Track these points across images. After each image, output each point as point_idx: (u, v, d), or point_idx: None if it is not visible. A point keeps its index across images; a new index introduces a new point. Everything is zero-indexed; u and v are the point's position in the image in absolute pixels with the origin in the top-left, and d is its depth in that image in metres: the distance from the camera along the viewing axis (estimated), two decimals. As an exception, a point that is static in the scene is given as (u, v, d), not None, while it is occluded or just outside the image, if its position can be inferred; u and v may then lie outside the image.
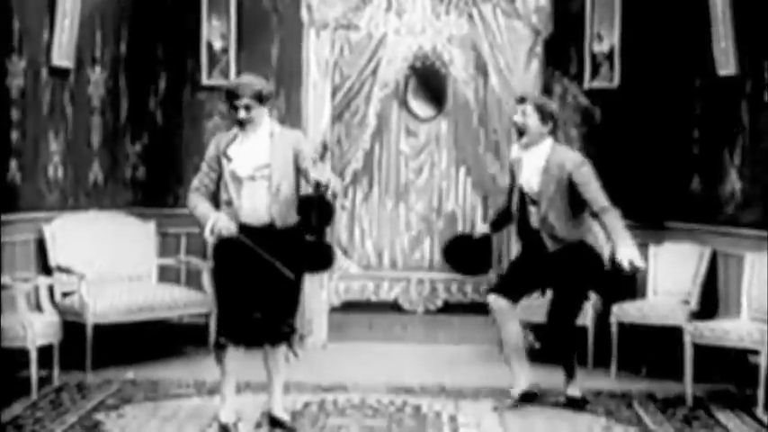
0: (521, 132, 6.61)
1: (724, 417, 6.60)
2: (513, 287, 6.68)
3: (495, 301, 6.65)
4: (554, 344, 6.85)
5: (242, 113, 5.93)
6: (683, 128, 8.59)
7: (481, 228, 7.09)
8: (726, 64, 7.80)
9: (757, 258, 7.21)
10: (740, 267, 7.39)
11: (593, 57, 8.86)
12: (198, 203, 6.02)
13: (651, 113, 8.82)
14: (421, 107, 10.58)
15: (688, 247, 8.12)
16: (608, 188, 8.76)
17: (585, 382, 7.01)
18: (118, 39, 8.77)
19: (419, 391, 7.07)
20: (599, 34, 8.83)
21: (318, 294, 8.67)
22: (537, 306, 7.30)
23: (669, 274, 8.11)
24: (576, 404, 6.74)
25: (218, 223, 5.86)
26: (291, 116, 8.70)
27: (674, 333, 7.68)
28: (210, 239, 5.98)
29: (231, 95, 5.94)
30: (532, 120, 6.56)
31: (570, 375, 6.81)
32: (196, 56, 9.02)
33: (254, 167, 5.93)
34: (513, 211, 6.78)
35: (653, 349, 7.97)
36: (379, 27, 8.54)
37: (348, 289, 10.35)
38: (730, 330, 6.92)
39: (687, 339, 6.99)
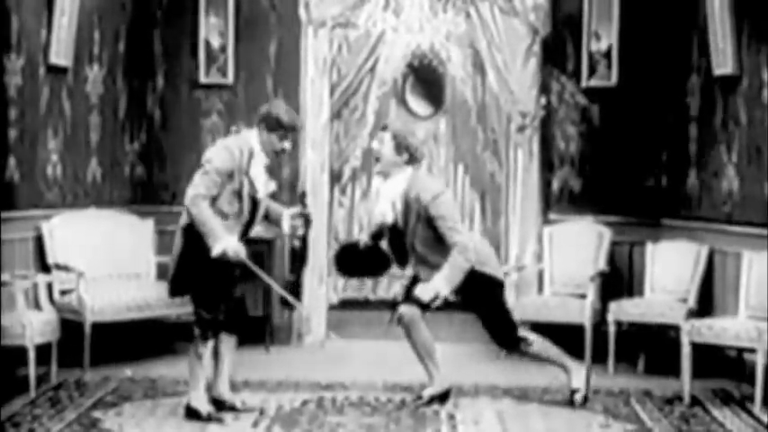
0: (377, 159, 6.66)
1: (721, 414, 6.61)
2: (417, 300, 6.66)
3: (406, 311, 6.66)
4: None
5: (288, 144, 6.33)
6: (680, 126, 8.60)
7: (364, 239, 6.99)
8: (723, 63, 7.81)
9: (755, 256, 7.21)
10: (738, 265, 7.40)
11: (591, 55, 8.87)
12: (211, 216, 6.10)
13: (649, 112, 8.83)
14: (419, 105, 10.60)
15: (685, 246, 8.13)
16: (606, 186, 8.86)
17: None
18: (116, 37, 8.77)
19: (417, 389, 7.07)
20: (597, 33, 8.83)
21: (317, 292, 8.68)
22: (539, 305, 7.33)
23: (666, 273, 8.12)
24: (576, 395, 6.73)
25: (230, 249, 6.06)
26: (290, 115, 8.69)
27: (671, 331, 7.70)
28: (215, 256, 6.07)
29: (288, 128, 6.26)
30: (387, 148, 6.56)
31: (563, 369, 6.82)
32: (194, 54, 9.02)
33: (271, 189, 6.35)
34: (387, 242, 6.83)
35: (650, 347, 7.98)
36: (376, 25, 8.54)
37: (346, 287, 10.37)
38: (728, 328, 6.92)
39: (684, 337, 7.00)
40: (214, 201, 6.14)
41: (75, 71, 8.16)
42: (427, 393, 6.75)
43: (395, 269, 10.35)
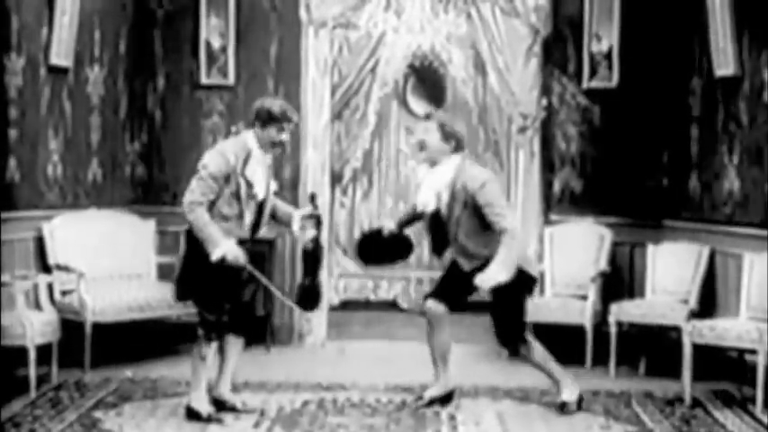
0: (422, 148, 6.63)
1: (722, 416, 6.61)
2: (449, 296, 6.67)
3: (434, 305, 6.65)
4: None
5: (285, 136, 6.31)
6: (681, 127, 8.59)
7: (389, 226, 6.96)
8: (724, 64, 7.80)
9: (756, 258, 7.21)
10: (739, 267, 7.40)
11: (592, 56, 8.86)
12: (208, 222, 6.12)
13: (650, 113, 8.82)
14: (420, 106, 10.58)
15: (687, 247, 8.13)
16: (607, 187, 8.85)
17: (584, 382, 7.01)
18: (117, 37, 8.77)
19: (418, 389, 7.07)
20: (598, 34, 8.83)
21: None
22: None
23: (668, 274, 8.11)
24: (567, 408, 6.69)
25: (230, 254, 6.10)
26: (290, 115, 8.69)
27: (672, 332, 7.70)
28: (214, 260, 6.10)
29: (282, 119, 6.26)
30: (433, 137, 6.54)
31: (556, 384, 6.77)
32: (195, 55, 9.02)
33: (273, 189, 6.36)
34: (425, 229, 6.81)
35: (651, 348, 7.97)
36: (377, 26, 8.54)
37: (347, 287, 10.36)
38: (729, 329, 6.92)
39: (686, 339, 6.99)
40: (213, 204, 6.16)
41: (76, 72, 8.16)
42: (428, 394, 6.74)
43: (394, 271, 10.45)
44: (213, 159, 6.21)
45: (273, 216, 6.53)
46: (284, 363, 8.02)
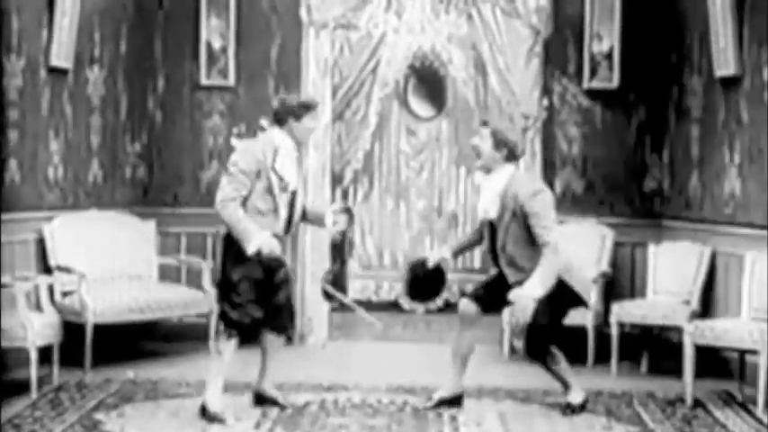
0: (477, 155, 6.63)
1: (724, 416, 6.60)
2: (486, 299, 6.65)
3: (467, 305, 6.63)
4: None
5: (314, 123, 6.43)
6: (682, 127, 8.59)
7: (439, 253, 6.89)
8: (725, 63, 7.80)
9: (757, 258, 7.20)
10: (740, 267, 7.39)
11: (593, 57, 8.86)
12: (242, 217, 6.21)
13: (650, 113, 8.82)
14: (421, 106, 10.59)
15: (688, 247, 8.12)
16: (608, 187, 8.85)
17: (586, 382, 7.00)
18: (117, 38, 8.77)
19: (420, 391, 7.07)
20: (598, 34, 8.82)
21: (319, 293, 8.66)
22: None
23: (669, 274, 8.11)
24: (571, 410, 6.68)
25: (265, 247, 6.18)
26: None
27: (673, 333, 7.69)
28: (251, 254, 6.18)
29: (314, 105, 6.40)
30: (486, 144, 6.53)
31: (565, 387, 6.76)
32: (195, 55, 9.02)
33: (296, 179, 6.39)
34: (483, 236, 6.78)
35: (653, 349, 7.97)
36: (378, 27, 8.55)
37: (349, 288, 10.36)
38: (730, 330, 6.91)
39: (687, 339, 6.98)
40: (246, 200, 6.25)
41: (76, 73, 8.15)
42: (437, 396, 6.72)
43: (396, 271, 10.45)
44: (242, 156, 6.32)
45: (303, 215, 6.58)
46: (285, 363, 8.01)
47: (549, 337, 6.59)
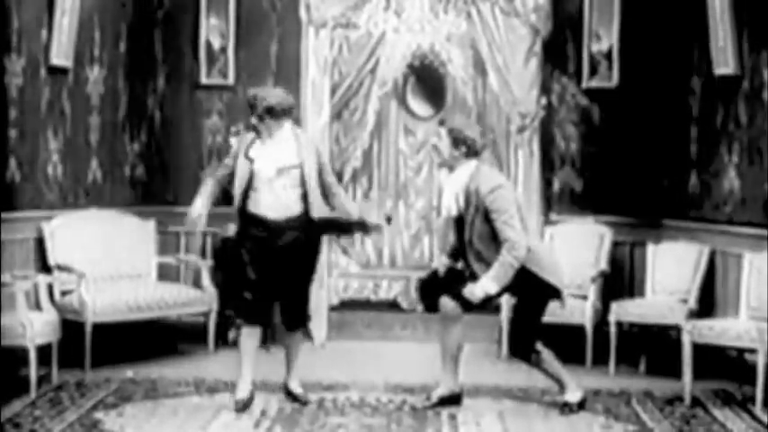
0: (437, 154, 6.72)
1: (722, 415, 6.61)
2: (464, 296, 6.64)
3: (447, 303, 6.61)
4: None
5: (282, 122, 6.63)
6: (681, 127, 8.60)
7: (441, 261, 6.98)
8: (724, 63, 7.81)
9: (755, 257, 7.21)
10: (738, 266, 7.40)
11: (592, 56, 8.87)
12: (201, 190, 6.66)
13: (649, 112, 8.83)
14: (420, 106, 10.58)
15: (686, 246, 8.13)
16: (607, 187, 8.86)
17: (584, 381, 7.01)
18: (117, 37, 8.77)
19: (418, 390, 7.07)
20: (597, 33, 8.83)
21: (318, 293, 8.66)
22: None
23: (668, 273, 8.12)
24: (569, 409, 6.69)
25: (191, 214, 6.56)
26: (290, 115, 8.69)
27: (672, 332, 7.70)
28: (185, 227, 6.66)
29: (272, 113, 6.55)
30: (444, 143, 6.59)
31: (560, 385, 6.77)
32: (195, 55, 9.02)
33: (281, 167, 6.50)
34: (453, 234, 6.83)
35: (651, 348, 7.98)
36: (377, 26, 8.53)
37: (347, 287, 10.34)
38: (729, 329, 6.92)
39: (686, 338, 6.99)
40: (230, 183, 6.62)
41: (76, 72, 8.16)
42: (436, 394, 6.73)
43: (395, 271, 10.46)
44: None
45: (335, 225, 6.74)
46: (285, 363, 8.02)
47: (531, 334, 6.63)
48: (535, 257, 6.51)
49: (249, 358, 6.59)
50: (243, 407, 6.47)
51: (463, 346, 6.76)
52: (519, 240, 6.40)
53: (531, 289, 6.53)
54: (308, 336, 7.03)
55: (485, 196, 6.42)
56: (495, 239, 6.46)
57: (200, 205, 6.56)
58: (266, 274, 6.51)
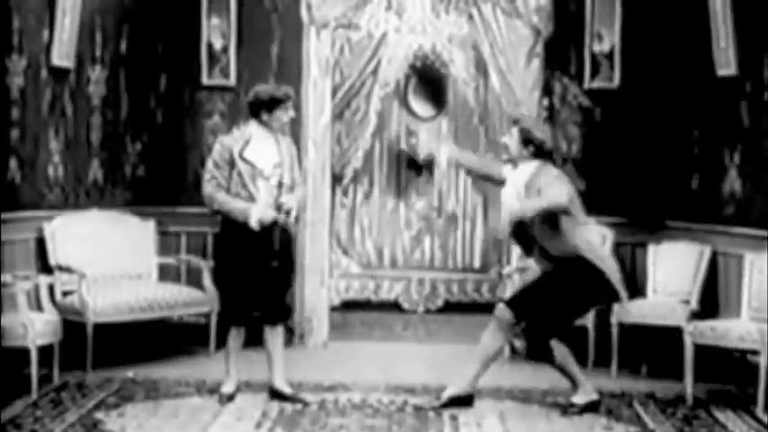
0: (506, 151, 6.80)
1: (724, 416, 6.61)
2: (523, 307, 6.66)
3: (503, 312, 6.66)
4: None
5: (292, 113, 6.70)
6: (683, 127, 8.59)
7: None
8: (726, 64, 7.81)
9: (757, 258, 7.21)
10: (740, 267, 7.40)
11: (594, 57, 8.86)
12: (229, 199, 6.52)
13: (651, 113, 8.82)
14: (421, 107, 10.59)
15: (688, 247, 8.12)
16: (608, 187, 8.85)
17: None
18: (118, 38, 8.77)
19: (420, 390, 7.07)
20: (599, 34, 8.82)
21: (319, 293, 8.67)
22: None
23: (669, 274, 8.12)
24: (574, 410, 6.68)
25: (260, 212, 6.46)
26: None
27: (674, 333, 7.69)
28: (256, 227, 6.46)
29: (287, 98, 6.62)
30: (513, 141, 6.70)
31: (573, 385, 6.78)
32: (196, 55, 9.02)
33: (273, 165, 6.57)
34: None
35: (653, 349, 7.97)
36: (379, 26, 8.53)
37: (348, 288, 10.36)
38: (730, 330, 6.92)
39: (687, 339, 7.00)
40: (229, 191, 6.54)
41: (78, 72, 8.16)
42: (446, 394, 6.71)
43: (396, 271, 10.46)
44: (216, 150, 6.63)
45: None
46: (285, 363, 8.00)
47: (553, 327, 6.63)
48: (595, 252, 6.60)
49: (234, 358, 6.77)
50: (227, 399, 6.66)
51: (500, 356, 6.88)
52: (586, 221, 6.59)
53: (584, 281, 6.53)
54: (290, 331, 7.02)
55: (542, 187, 6.47)
56: (556, 235, 6.50)
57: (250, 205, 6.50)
58: (255, 274, 6.55)
